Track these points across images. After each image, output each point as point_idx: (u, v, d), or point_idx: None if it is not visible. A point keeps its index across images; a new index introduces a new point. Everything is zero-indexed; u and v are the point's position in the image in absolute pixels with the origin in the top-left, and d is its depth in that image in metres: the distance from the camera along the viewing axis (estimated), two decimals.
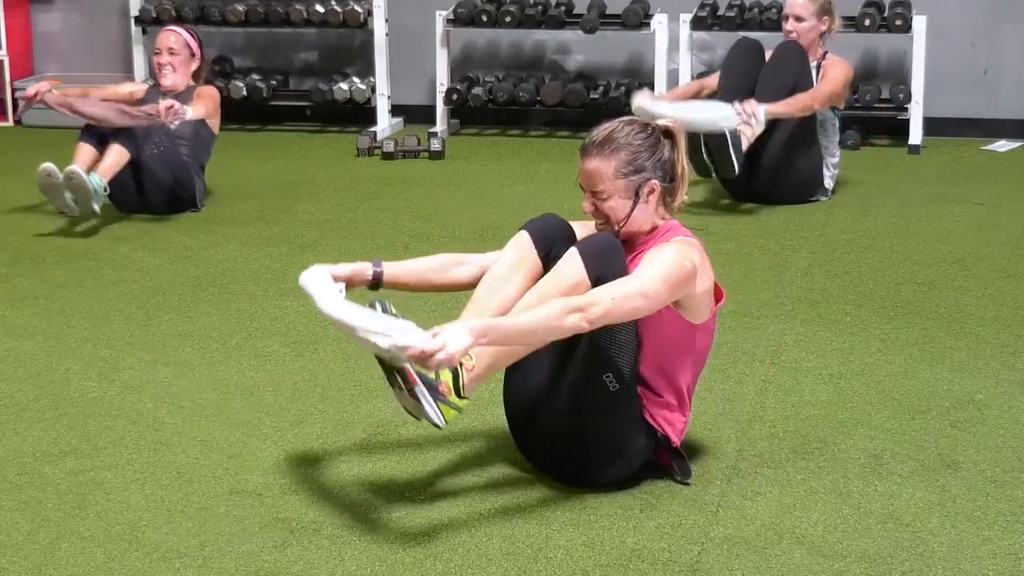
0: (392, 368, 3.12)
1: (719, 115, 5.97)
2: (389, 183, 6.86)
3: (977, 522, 3.23)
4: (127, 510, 3.32)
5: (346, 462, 3.57)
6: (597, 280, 3.23)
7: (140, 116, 5.92)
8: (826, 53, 6.40)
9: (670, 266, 3.26)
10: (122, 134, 5.95)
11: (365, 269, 3.46)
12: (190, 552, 3.11)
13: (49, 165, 5.79)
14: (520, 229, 3.44)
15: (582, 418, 3.31)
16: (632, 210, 3.38)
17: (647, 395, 3.38)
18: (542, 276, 3.33)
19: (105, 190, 5.88)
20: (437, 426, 3.14)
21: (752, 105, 6.05)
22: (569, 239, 3.41)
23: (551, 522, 3.23)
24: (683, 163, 3.46)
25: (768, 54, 6.37)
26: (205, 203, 6.30)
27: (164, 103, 5.93)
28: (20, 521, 3.27)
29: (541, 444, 3.43)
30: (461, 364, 3.17)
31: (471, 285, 3.50)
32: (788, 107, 6.16)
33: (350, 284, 3.42)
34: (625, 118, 3.49)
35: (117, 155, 5.94)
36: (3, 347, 4.50)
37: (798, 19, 6.36)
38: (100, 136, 5.99)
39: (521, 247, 3.41)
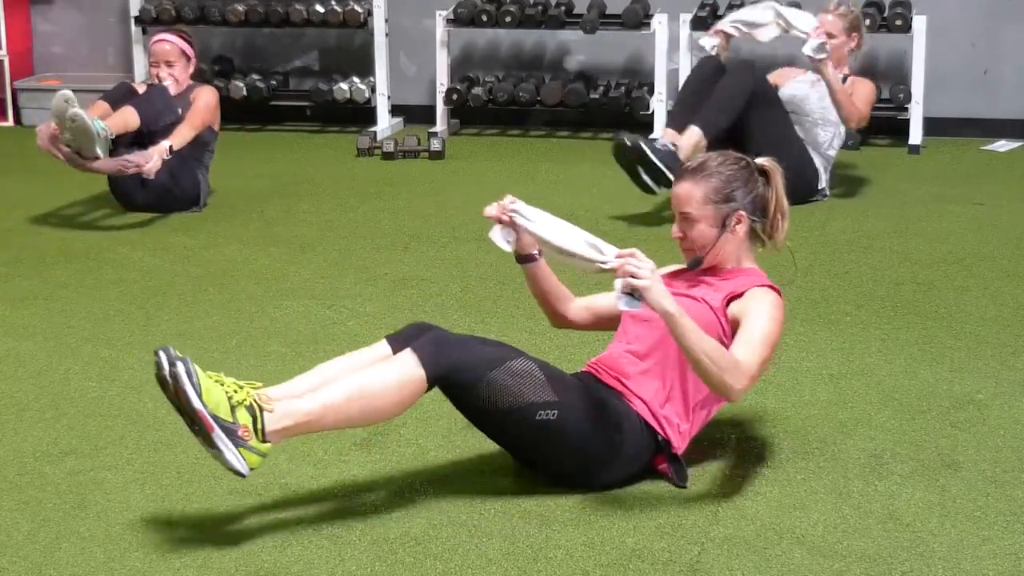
0: (187, 414, 3.04)
1: (805, 21, 6.16)
2: (389, 183, 6.86)
3: (977, 522, 3.23)
4: (127, 510, 3.31)
5: (346, 462, 3.57)
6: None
7: (127, 164, 5.92)
8: (849, 74, 6.37)
9: (773, 330, 3.33)
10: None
11: (531, 243, 3.53)
12: (190, 552, 3.11)
13: (69, 93, 5.69)
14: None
15: (551, 448, 3.31)
16: (718, 239, 3.42)
17: (657, 394, 3.38)
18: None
19: (110, 135, 5.78)
20: (240, 474, 3.07)
21: (825, 34, 6.13)
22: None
23: (551, 522, 3.23)
24: (780, 202, 3.51)
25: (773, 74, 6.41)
26: (208, 202, 6.31)
27: (143, 160, 5.92)
28: (20, 521, 3.27)
29: (529, 461, 3.44)
30: (261, 408, 3.11)
31: (575, 326, 3.66)
32: (839, 87, 6.19)
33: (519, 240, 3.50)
34: (721, 150, 3.54)
35: (129, 116, 5.95)
36: (3, 347, 4.50)
37: (828, 36, 6.34)
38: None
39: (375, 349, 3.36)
